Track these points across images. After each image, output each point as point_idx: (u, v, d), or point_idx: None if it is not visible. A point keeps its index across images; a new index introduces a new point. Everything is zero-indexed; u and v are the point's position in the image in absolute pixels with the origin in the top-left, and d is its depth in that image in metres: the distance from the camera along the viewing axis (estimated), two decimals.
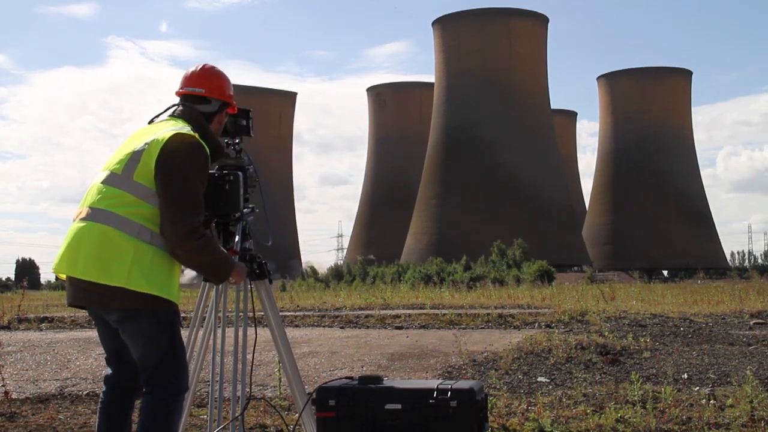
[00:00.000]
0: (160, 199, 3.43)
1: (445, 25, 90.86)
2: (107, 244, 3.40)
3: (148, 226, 3.44)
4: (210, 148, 3.61)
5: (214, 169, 3.88)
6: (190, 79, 3.77)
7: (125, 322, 3.51)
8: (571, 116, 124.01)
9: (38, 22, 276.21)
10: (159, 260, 3.45)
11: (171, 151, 3.43)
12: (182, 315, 15.02)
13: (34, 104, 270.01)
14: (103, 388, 3.73)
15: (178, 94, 3.80)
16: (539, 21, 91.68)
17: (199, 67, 3.81)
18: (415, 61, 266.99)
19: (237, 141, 4.02)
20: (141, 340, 3.51)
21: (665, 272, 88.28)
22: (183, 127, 3.56)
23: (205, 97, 3.74)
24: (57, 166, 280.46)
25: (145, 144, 3.49)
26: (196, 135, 3.54)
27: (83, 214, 3.51)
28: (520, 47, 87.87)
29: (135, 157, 3.48)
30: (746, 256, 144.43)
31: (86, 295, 3.49)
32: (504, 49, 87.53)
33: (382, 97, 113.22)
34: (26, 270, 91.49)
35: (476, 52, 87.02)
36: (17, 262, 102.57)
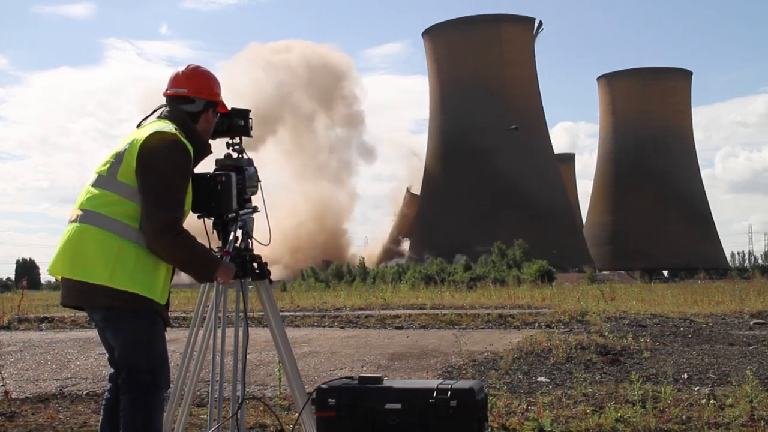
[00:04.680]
0: (140, 196, 3.48)
1: (435, 35, 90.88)
2: (92, 244, 3.46)
3: (133, 225, 3.49)
4: (195, 147, 3.66)
5: (211, 169, 3.89)
6: (175, 80, 3.82)
7: (108, 320, 3.56)
8: (569, 161, 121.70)
9: (34, 23, 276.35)
10: (143, 259, 3.49)
11: (150, 149, 3.50)
12: (182, 315, 14.98)
13: (32, 105, 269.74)
14: (107, 386, 3.76)
15: (164, 95, 3.85)
16: (529, 25, 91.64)
17: (184, 68, 3.85)
18: (412, 62, 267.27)
19: (237, 141, 4.01)
20: (121, 339, 3.56)
21: (665, 272, 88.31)
22: (165, 127, 3.61)
23: (188, 97, 3.78)
24: (56, 167, 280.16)
25: (128, 144, 3.57)
26: (178, 133, 3.58)
27: (74, 216, 3.58)
28: (510, 53, 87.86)
29: (118, 158, 3.56)
30: (746, 257, 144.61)
31: (75, 294, 3.54)
32: (495, 55, 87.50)
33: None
34: (26, 270, 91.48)
35: (467, 60, 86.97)
36: (17, 262, 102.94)
